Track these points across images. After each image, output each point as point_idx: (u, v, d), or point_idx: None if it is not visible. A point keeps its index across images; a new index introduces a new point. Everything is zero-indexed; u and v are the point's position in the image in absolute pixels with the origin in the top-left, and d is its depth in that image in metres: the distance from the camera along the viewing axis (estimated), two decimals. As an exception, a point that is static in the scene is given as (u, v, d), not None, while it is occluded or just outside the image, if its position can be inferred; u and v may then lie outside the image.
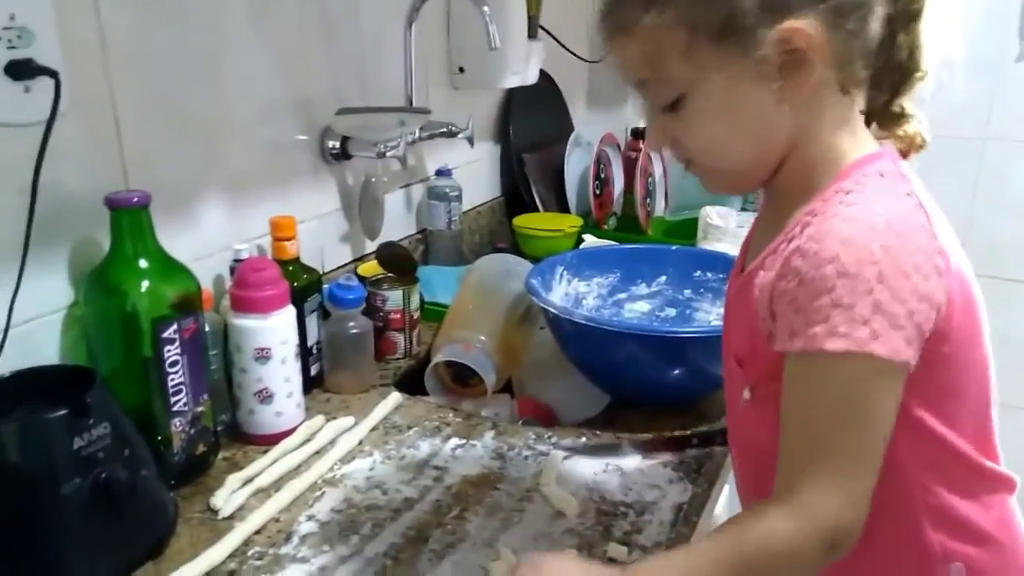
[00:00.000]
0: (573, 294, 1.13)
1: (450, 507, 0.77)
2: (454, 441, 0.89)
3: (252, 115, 0.98)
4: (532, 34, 1.40)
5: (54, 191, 0.73)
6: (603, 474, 0.83)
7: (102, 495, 0.63)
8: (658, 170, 1.68)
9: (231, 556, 0.70)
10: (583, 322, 0.91)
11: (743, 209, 1.45)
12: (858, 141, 0.61)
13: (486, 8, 1.05)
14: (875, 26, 0.57)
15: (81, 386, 0.65)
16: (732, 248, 1.22)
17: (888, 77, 0.60)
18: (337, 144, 1.08)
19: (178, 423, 0.78)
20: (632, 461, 0.85)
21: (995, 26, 1.62)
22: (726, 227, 1.23)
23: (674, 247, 1.18)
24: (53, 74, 0.67)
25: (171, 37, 0.86)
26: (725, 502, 0.98)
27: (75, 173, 0.76)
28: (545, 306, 0.95)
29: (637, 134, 1.92)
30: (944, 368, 0.58)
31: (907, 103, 0.62)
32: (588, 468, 0.84)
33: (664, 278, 1.14)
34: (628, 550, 0.71)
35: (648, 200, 1.63)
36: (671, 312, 1.13)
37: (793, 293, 0.54)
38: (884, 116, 0.63)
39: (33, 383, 0.66)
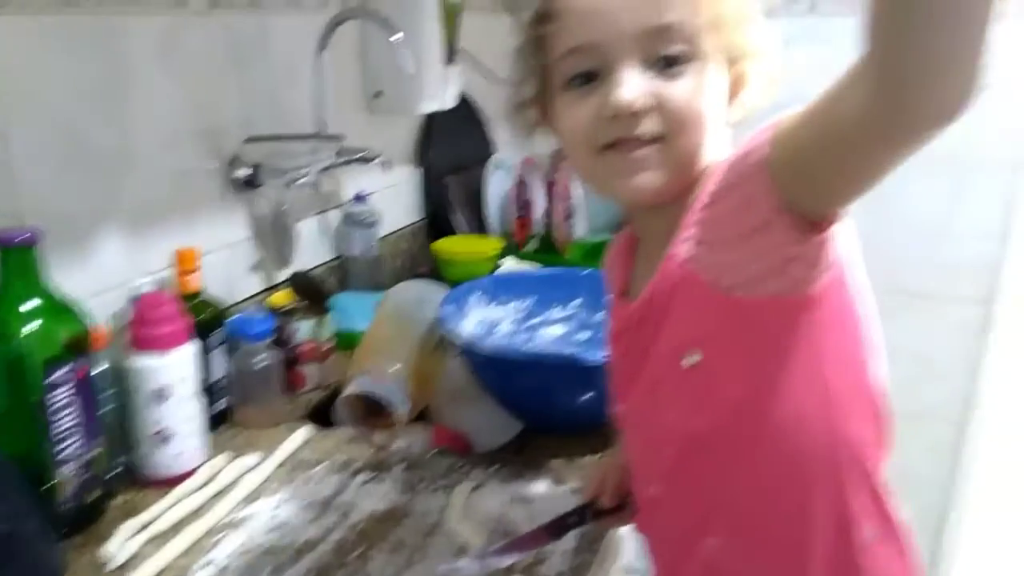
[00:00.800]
0: (488, 320, 1.13)
1: (353, 546, 0.76)
2: (363, 476, 0.88)
3: (156, 145, 0.95)
4: (450, 58, 1.40)
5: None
6: (510, 505, 0.83)
7: (-23, 553, 0.61)
8: (577, 192, 1.70)
9: (122, 608, 0.68)
10: (491, 352, 0.91)
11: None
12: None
13: (398, 35, 1.05)
14: None
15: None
16: (643, 274, 1.25)
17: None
18: (247, 173, 1.06)
19: (68, 469, 0.75)
20: (540, 490, 0.86)
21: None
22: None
23: (586, 271, 1.19)
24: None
25: (70, 67, 0.83)
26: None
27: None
28: (454, 335, 0.95)
29: (558, 157, 1.95)
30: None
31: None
32: (496, 499, 0.84)
33: (578, 301, 1.16)
34: (530, 584, 0.71)
35: (569, 222, 1.65)
36: (584, 335, 1.15)
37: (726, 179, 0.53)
38: None
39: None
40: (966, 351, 1.80)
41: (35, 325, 0.72)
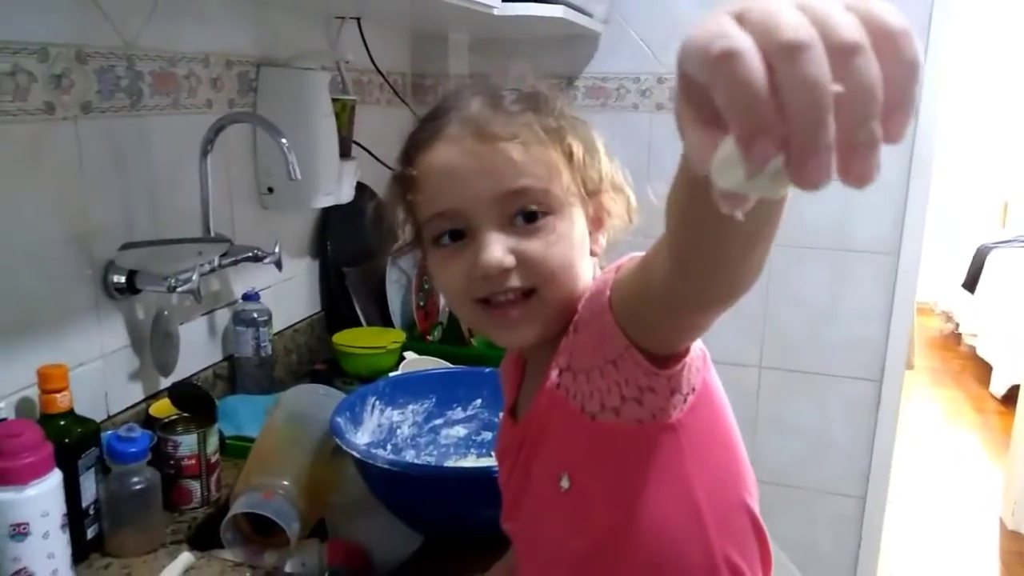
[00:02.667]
0: (387, 424, 1.10)
1: None
2: (250, 607, 0.82)
3: (17, 256, 0.89)
4: (345, 153, 1.40)
5: None
6: (409, 632, 0.79)
7: None
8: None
9: None
10: (385, 466, 0.88)
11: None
12: None
13: (284, 140, 1.04)
14: None
15: None
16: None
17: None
18: (122, 279, 1.01)
19: (-98, 628, 0.67)
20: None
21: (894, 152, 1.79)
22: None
23: (487, 370, 1.18)
24: None
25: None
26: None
27: None
28: (348, 448, 0.91)
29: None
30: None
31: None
32: (393, 626, 0.80)
33: (480, 400, 1.14)
34: None
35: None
36: (487, 435, 1.13)
37: (581, 319, 0.57)
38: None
39: None
40: (861, 427, 1.87)
41: None
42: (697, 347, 0.56)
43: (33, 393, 0.88)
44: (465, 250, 0.60)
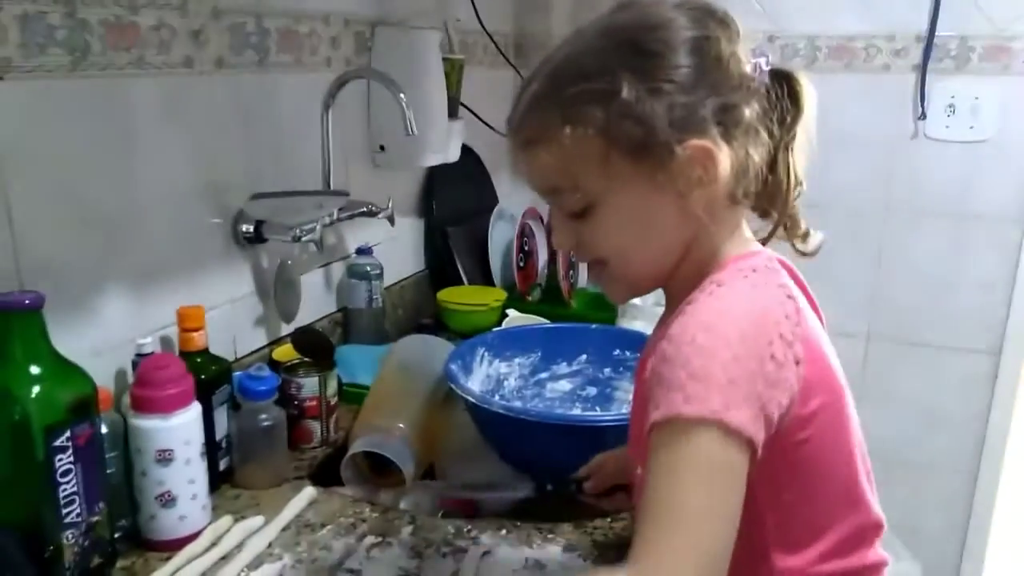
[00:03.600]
0: (495, 375, 1.12)
1: (362, 617, 0.74)
2: (369, 540, 0.86)
3: (160, 203, 0.95)
4: (453, 113, 1.42)
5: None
6: (523, 571, 0.81)
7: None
8: (581, 241, 1.70)
9: None
10: (500, 411, 0.90)
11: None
12: (740, 243, 0.66)
13: (402, 95, 1.06)
14: (761, 149, 0.62)
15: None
16: (649, 326, 1.24)
17: (776, 192, 0.65)
18: (251, 228, 1.06)
19: (71, 535, 0.73)
20: (551, 555, 0.84)
21: (893, 109, 1.73)
22: (643, 306, 1.26)
23: (593, 326, 1.19)
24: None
25: (73, 129, 0.83)
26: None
27: (-40, 273, 0.72)
28: (463, 394, 0.94)
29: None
30: (804, 451, 0.61)
31: (796, 214, 0.67)
32: (507, 564, 0.82)
33: (584, 357, 1.15)
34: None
35: (571, 272, 1.65)
36: (592, 391, 1.14)
37: (658, 370, 0.57)
38: (783, 227, 0.68)
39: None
40: (975, 401, 1.79)
41: (38, 389, 0.70)
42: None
43: (173, 332, 0.94)
44: None
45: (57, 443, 0.71)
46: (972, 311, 1.75)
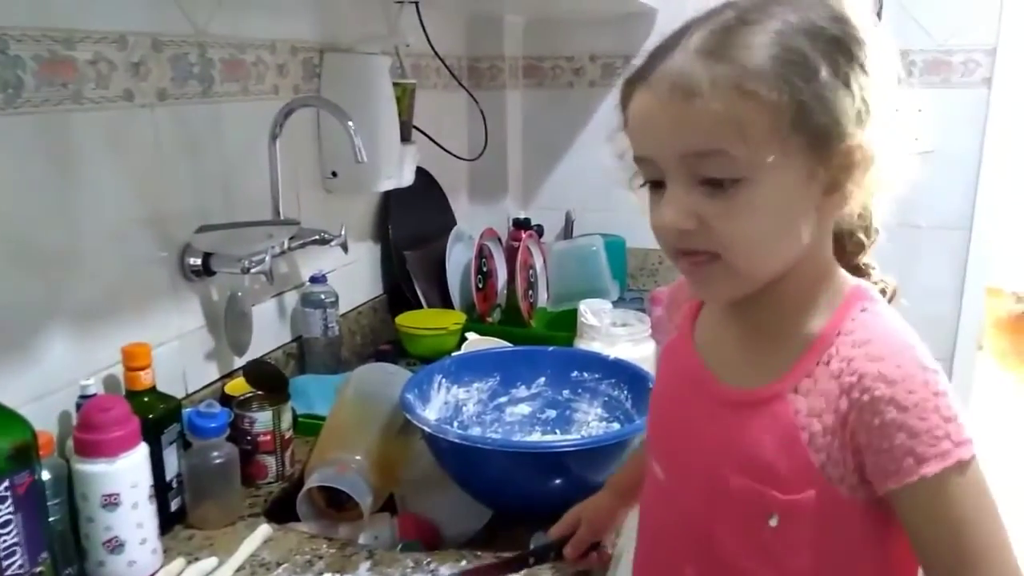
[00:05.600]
0: (453, 402, 1.11)
1: (318, 659, 0.73)
2: (326, 577, 0.84)
3: (102, 239, 0.93)
4: (406, 137, 1.41)
5: None
6: (482, 602, 0.80)
7: None
8: (539, 261, 1.71)
9: None
10: (455, 440, 0.89)
11: (617, 304, 1.48)
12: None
13: (350, 123, 1.05)
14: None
15: None
16: (606, 347, 1.25)
17: (856, 234, 0.64)
18: (198, 261, 1.04)
19: (11, 588, 0.70)
20: (512, 585, 0.83)
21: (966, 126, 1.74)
22: (599, 326, 1.26)
23: (550, 348, 1.19)
24: None
25: (5, 167, 0.81)
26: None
27: None
28: (418, 423, 0.93)
29: (519, 224, 1.96)
30: None
31: (869, 259, 0.66)
32: (467, 597, 0.81)
33: (543, 379, 1.15)
34: None
35: (531, 292, 1.66)
36: (551, 413, 1.14)
37: (901, 422, 0.53)
38: (853, 270, 0.65)
39: None
40: None
41: (-26, 438, 0.68)
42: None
43: (118, 371, 0.92)
44: (661, 198, 0.58)
45: (-6, 494, 0.68)
46: (921, 320, 1.79)
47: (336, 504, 0.99)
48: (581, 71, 1.98)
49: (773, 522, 0.59)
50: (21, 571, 0.71)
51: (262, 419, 1.02)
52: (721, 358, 0.65)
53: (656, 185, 0.58)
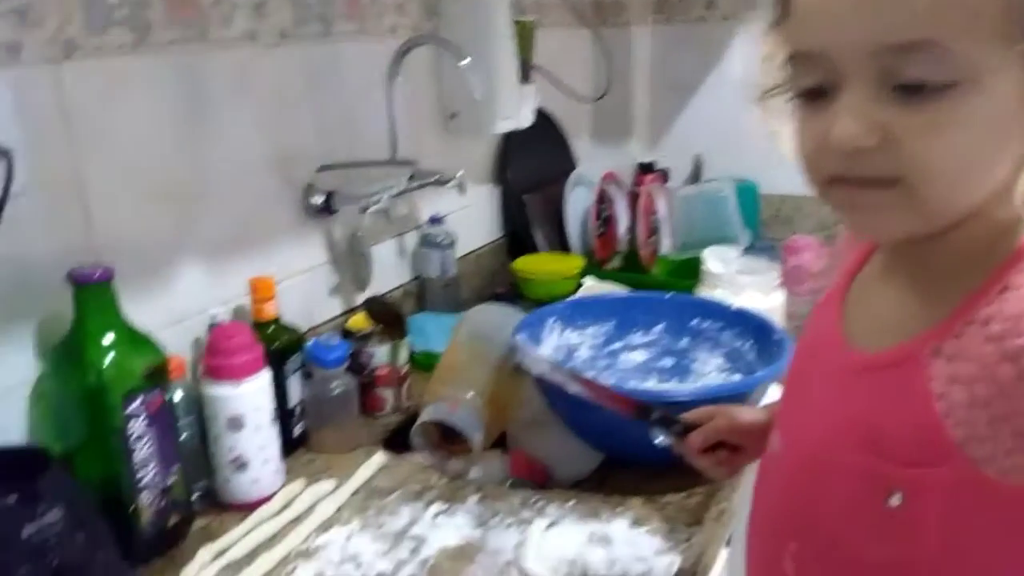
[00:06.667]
0: (565, 346, 1.09)
1: (424, 584, 0.74)
2: (436, 507, 0.86)
3: (231, 176, 0.97)
4: (525, 77, 1.38)
5: (18, 266, 0.73)
6: (587, 545, 0.79)
7: (54, 583, 0.62)
8: (663, 207, 1.64)
9: (192, 642, 0.68)
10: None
11: (746, 252, 1.40)
12: None
13: (465, 60, 1.04)
14: None
15: (36, 468, 0.63)
16: (730, 295, 1.18)
17: None
18: (321, 199, 1.07)
19: (148, 496, 0.76)
20: (618, 529, 0.81)
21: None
22: (724, 273, 1.19)
23: (669, 295, 1.14)
24: (4, 153, 0.66)
25: (144, 106, 0.85)
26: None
27: (40, 247, 0.76)
28: (528, 364, 0.92)
29: (644, 168, 1.89)
30: None
31: None
32: (572, 538, 0.80)
33: (661, 326, 1.11)
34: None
35: (653, 238, 1.60)
36: (668, 362, 1.10)
37: None
38: None
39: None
40: None
41: (112, 358, 0.73)
42: None
43: (246, 302, 0.96)
44: (824, 111, 0.46)
45: (130, 409, 0.74)
46: None
47: (450, 438, 1.00)
48: (713, 4, 1.86)
49: (895, 500, 0.50)
50: (155, 481, 0.77)
51: (380, 353, 1.04)
52: (862, 318, 0.56)
53: (814, 95, 0.47)
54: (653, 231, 1.60)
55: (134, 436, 0.74)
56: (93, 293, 0.73)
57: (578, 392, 0.77)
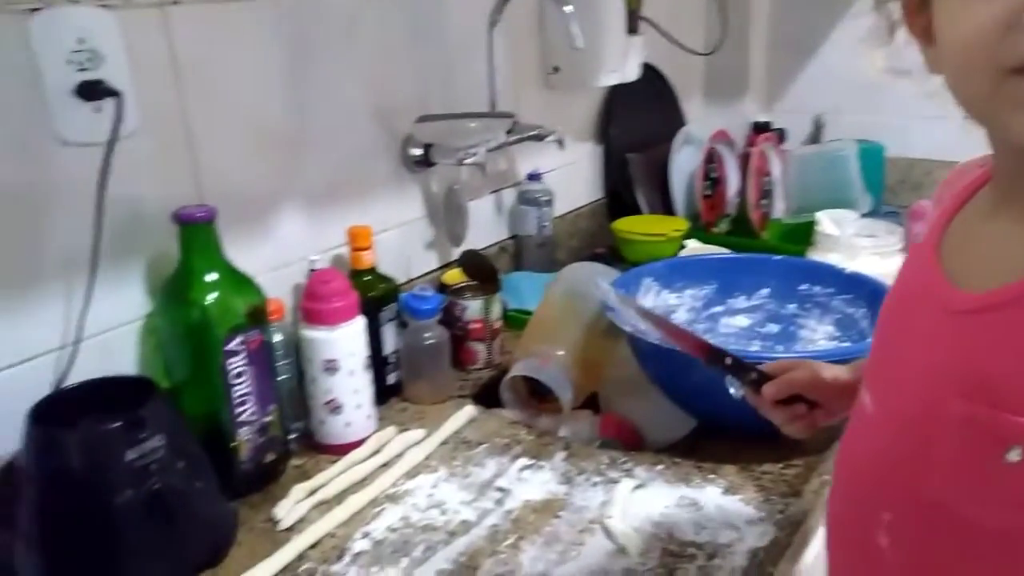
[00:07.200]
0: (662, 307, 1.05)
1: (507, 534, 0.74)
2: (522, 461, 0.85)
3: (332, 124, 0.98)
4: (632, 28, 1.33)
5: (128, 206, 0.76)
6: (675, 508, 0.76)
7: (155, 505, 0.65)
8: (777, 168, 1.55)
9: (283, 571, 0.70)
10: (658, 343, 0.84)
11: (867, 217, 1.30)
12: None
13: (568, 8, 1.00)
14: None
15: (142, 397, 0.67)
16: (844, 259, 1.10)
17: None
18: (419, 152, 1.07)
19: (246, 432, 0.79)
20: (709, 495, 0.78)
21: None
22: (840, 236, 1.12)
23: (777, 257, 1.08)
24: (116, 94, 0.69)
25: (248, 51, 0.87)
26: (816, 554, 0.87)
27: (149, 188, 0.79)
28: (621, 322, 0.89)
29: (758, 128, 1.80)
30: None
31: None
32: (660, 500, 0.78)
33: (766, 290, 1.05)
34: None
35: (765, 201, 1.52)
36: (773, 328, 1.04)
37: None
38: None
39: (98, 393, 0.69)
40: None
41: (215, 296, 0.76)
42: None
43: (344, 251, 0.98)
44: None
45: (230, 347, 0.76)
46: None
47: (540, 395, 0.99)
48: (843, -50, 1.72)
49: (1013, 456, 0.44)
50: (253, 418, 0.79)
51: (473, 307, 1.04)
52: (967, 258, 0.51)
53: None
54: (765, 194, 1.52)
55: (234, 373, 0.77)
56: (197, 232, 0.75)
57: (649, 331, 0.73)
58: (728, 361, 0.69)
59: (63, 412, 0.66)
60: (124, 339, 0.80)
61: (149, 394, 0.67)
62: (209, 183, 0.84)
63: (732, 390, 0.70)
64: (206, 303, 0.75)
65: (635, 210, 1.46)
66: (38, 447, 0.64)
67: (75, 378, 0.73)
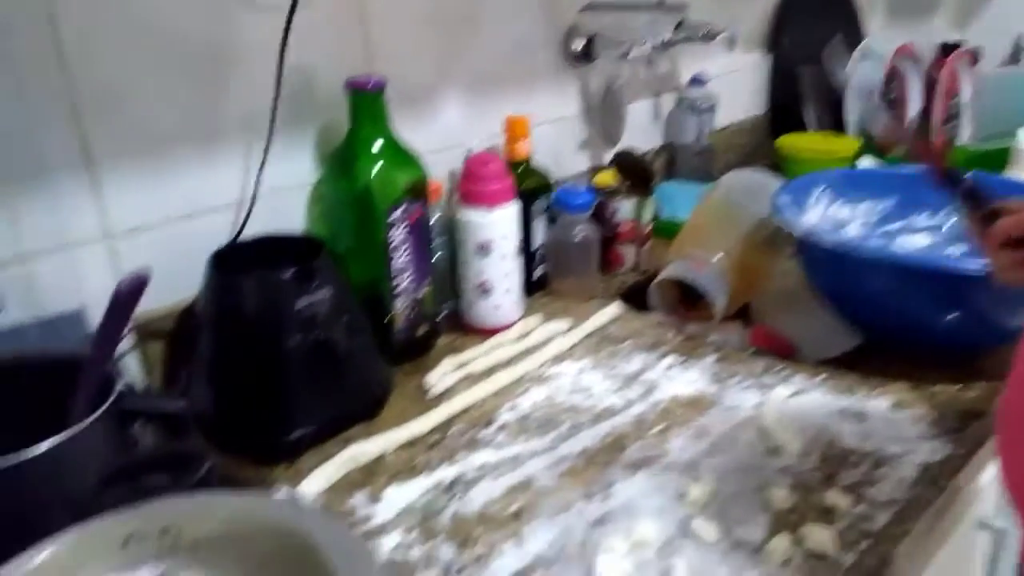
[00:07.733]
0: (832, 218, 0.98)
1: (653, 423, 0.72)
2: (670, 359, 0.83)
3: (501, 12, 0.96)
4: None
5: (303, 74, 0.78)
6: (838, 417, 0.72)
7: (320, 353, 0.68)
8: (967, 91, 1.40)
9: (434, 430, 0.72)
10: (835, 248, 0.78)
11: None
12: None
13: None
14: None
15: (311, 254, 0.69)
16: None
17: None
18: (582, 44, 1.04)
19: (402, 303, 0.81)
20: (876, 407, 0.73)
21: None
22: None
23: (970, 173, 0.97)
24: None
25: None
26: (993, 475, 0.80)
27: (322, 58, 0.80)
28: (792, 226, 0.83)
29: (947, 50, 1.62)
30: None
31: None
32: (820, 408, 0.73)
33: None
34: (853, 501, 0.60)
35: (950, 125, 1.38)
36: (957, 250, 0.94)
37: None
38: None
39: (272, 247, 0.72)
40: None
41: (379, 167, 0.77)
42: None
43: (501, 142, 0.97)
44: None
45: (392, 218, 0.78)
46: None
47: (688, 301, 0.96)
48: None
49: None
50: (409, 290, 0.81)
51: (624, 209, 1.01)
52: None
53: None
54: (951, 116, 1.38)
55: (394, 243, 0.79)
56: (367, 101, 0.76)
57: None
58: (965, 185, 0.63)
59: (240, 260, 0.69)
60: (294, 203, 0.83)
61: (318, 252, 0.70)
62: (379, 58, 0.85)
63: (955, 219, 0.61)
64: (372, 173, 0.77)
65: (801, 127, 1.37)
66: (217, 291, 0.68)
67: (250, 232, 0.76)
